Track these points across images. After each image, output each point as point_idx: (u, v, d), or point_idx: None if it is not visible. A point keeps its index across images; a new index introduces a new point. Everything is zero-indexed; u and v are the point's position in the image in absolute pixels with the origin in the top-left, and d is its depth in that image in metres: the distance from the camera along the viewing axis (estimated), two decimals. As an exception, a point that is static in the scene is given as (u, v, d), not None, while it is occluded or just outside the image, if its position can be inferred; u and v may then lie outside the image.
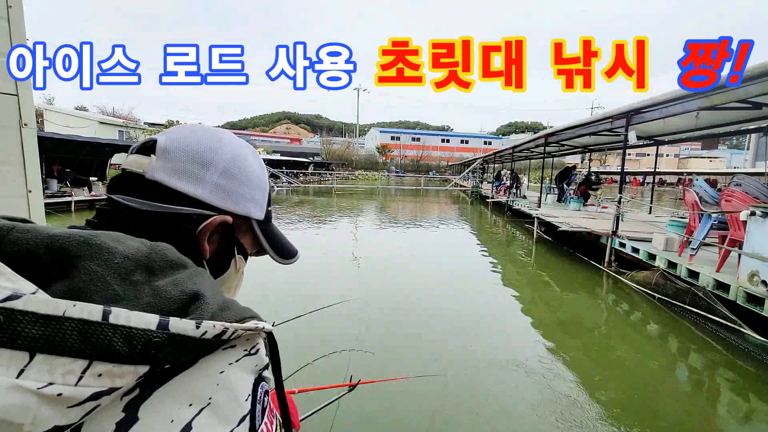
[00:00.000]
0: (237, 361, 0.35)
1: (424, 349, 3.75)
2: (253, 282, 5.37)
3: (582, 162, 14.89)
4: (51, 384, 0.24)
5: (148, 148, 0.45)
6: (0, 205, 1.24)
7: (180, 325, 0.30)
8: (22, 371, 0.24)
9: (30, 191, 1.30)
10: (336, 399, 1.87)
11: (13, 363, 0.24)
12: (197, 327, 0.31)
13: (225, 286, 0.52)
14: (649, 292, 5.36)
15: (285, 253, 0.56)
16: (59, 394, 0.25)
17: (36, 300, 0.25)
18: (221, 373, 0.33)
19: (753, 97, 5.30)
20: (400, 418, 2.71)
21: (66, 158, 14.26)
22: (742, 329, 3.89)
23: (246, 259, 0.54)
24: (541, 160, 15.88)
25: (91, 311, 0.27)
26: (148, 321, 0.28)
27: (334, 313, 3.72)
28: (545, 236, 10.01)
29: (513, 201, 15.17)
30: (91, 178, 14.46)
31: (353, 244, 9.16)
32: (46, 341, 0.25)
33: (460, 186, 31.39)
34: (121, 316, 0.27)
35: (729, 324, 4.02)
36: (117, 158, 17.81)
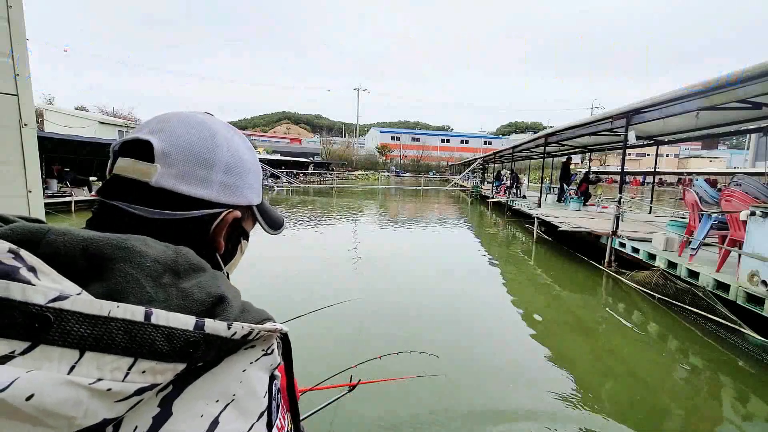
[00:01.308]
0: (256, 360, 0.37)
1: (424, 349, 3.75)
2: (252, 282, 5.37)
3: (582, 162, 14.87)
4: (101, 380, 0.26)
5: (140, 151, 0.42)
6: (0, 205, 1.24)
7: (214, 326, 0.32)
8: (73, 367, 0.25)
9: (30, 191, 1.30)
10: (336, 399, 1.87)
11: (64, 360, 0.25)
12: (228, 328, 0.33)
13: (232, 269, 0.54)
14: (649, 292, 5.35)
15: (276, 225, 0.58)
16: (109, 389, 0.26)
17: (82, 300, 0.27)
18: (243, 371, 0.36)
19: (753, 97, 5.30)
20: (400, 418, 2.71)
21: (66, 158, 14.27)
22: (742, 329, 3.89)
23: (248, 240, 0.56)
24: (541, 160, 15.88)
25: (134, 312, 0.28)
26: (185, 322, 0.30)
27: (333, 313, 3.71)
28: (545, 236, 10.01)
29: (513, 201, 15.17)
30: (91, 178, 14.47)
31: (353, 244, 9.16)
32: (95, 339, 0.26)
33: (460, 186, 31.39)
34: (161, 316, 0.29)
35: (729, 324, 4.02)
36: (117, 158, 17.74)
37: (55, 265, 0.29)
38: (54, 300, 0.25)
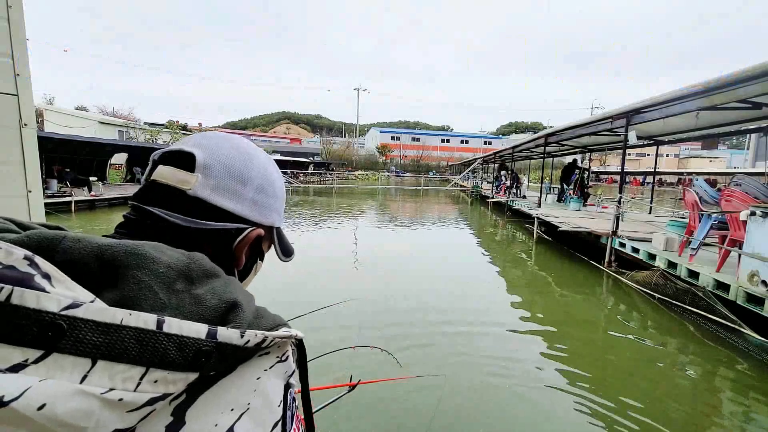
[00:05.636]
0: (271, 367, 0.37)
1: (424, 349, 3.75)
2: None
3: (582, 162, 14.86)
4: (112, 389, 0.26)
5: (183, 161, 0.45)
6: (0, 205, 1.24)
7: (226, 334, 0.31)
8: (85, 377, 0.25)
9: (30, 191, 1.30)
10: (336, 399, 1.87)
11: (76, 369, 0.25)
12: (242, 336, 0.32)
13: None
14: (649, 292, 5.35)
15: (289, 252, 0.59)
16: (120, 399, 0.26)
17: (95, 308, 0.26)
18: (258, 379, 0.35)
19: (753, 97, 5.29)
20: (400, 418, 2.71)
21: (66, 158, 14.30)
22: (742, 329, 3.89)
23: (263, 262, 0.57)
24: (541, 160, 15.87)
25: (146, 320, 0.28)
26: (198, 330, 0.30)
27: (333, 314, 3.72)
28: (545, 236, 10.00)
29: (513, 201, 15.17)
30: (91, 178, 14.46)
31: (353, 244, 9.16)
32: (107, 348, 0.26)
33: (460, 186, 31.38)
34: (173, 325, 0.29)
35: (729, 324, 4.02)
36: (117, 158, 17.79)
37: (70, 273, 0.28)
38: (67, 308, 0.25)
